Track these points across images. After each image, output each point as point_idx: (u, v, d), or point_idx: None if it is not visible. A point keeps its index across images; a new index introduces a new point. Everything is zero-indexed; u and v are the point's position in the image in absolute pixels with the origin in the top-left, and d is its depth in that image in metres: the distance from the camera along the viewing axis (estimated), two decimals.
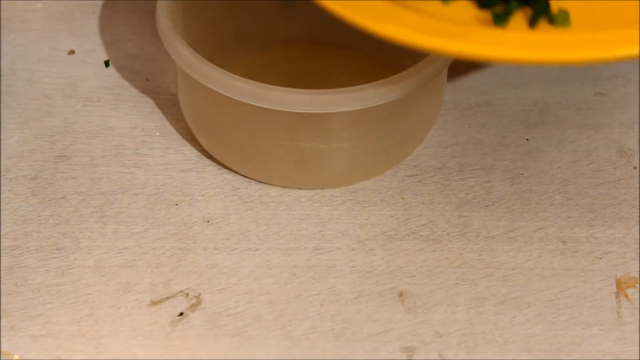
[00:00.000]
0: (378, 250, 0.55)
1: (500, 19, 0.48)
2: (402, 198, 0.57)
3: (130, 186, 0.58)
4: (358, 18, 0.47)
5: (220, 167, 0.59)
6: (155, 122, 0.61)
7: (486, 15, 0.49)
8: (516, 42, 0.46)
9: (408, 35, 0.46)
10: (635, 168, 0.59)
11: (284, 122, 0.53)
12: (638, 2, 0.49)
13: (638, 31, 0.45)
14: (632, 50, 0.45)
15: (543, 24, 0.48)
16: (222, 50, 0.62)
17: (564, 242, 0.55)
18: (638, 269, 0.54)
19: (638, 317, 0.52)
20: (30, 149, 0.59)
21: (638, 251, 0.55)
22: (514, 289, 0.53)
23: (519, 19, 0.48)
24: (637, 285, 0.53)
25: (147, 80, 0.64)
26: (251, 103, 0.52)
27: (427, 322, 0.51)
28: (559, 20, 0.48)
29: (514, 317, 0.52)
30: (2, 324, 0.51)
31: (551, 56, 0.45)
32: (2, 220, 0.55)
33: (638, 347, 0.50)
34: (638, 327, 0.51)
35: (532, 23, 0.48)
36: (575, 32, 0.47)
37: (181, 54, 0.54)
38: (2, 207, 0.56)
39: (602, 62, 0.46)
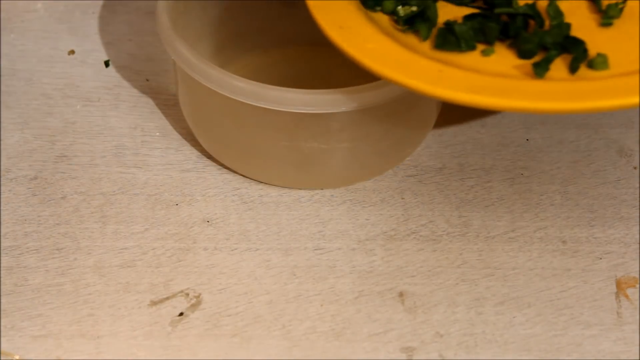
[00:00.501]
0: (378, 250, 0.55)
1: (540, 69, 0.48)
2: (402, 198, 0.57)
3: (130, 186, 0.58)
4: (410, 82, 0.48)
5: (220, 167, 0.59)
6: (155, 122, 0.61)
7: (526, 64, 0.49)
8: (561, 93, 0.47)
9: (460, 96, 0.47)
10: (635, 168, 0.59)
11: (284, 122, 0.53)
12: None
13: None
14: None
15: (583, 69, 0.49)
16: (222, 50, 0.62)
17: (564, 242, 0.55)
18: (638, 269, 0.54)
19: (638, 317, 0.52)
20: (30, 149, 0.59)
21: (638, 251, 0.55)
22: (514, 289, 0.53)
23: (558, 65, 0.49)
24: (637, 285, 0.53)
25: (147, 80, 0.64)
26: (251, 103, 0.52)
27: (427, 322, 0.51)
28: (598, 64, 0.48)
29: (514, 317, 0.52)
30: (2, 324, 0.51)
31: (598, 104, 0.46)
32: (2, 220, 0.55)
33: (638, 347, 0.50)
34: (638, 327, 0.51)
35: (573, 69, 0.48)
36: (615, 78, 0.48)
37: (181, 54, 0.54)
38: (2, 207, 0.56)
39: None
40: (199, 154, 0.59)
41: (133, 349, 0.50)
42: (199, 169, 0.59)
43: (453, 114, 0.62)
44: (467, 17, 0.51)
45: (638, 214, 0.57)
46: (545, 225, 0.56)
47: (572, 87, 0.47)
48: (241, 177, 0.58)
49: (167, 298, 0.52)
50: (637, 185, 0.58)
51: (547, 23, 0.51)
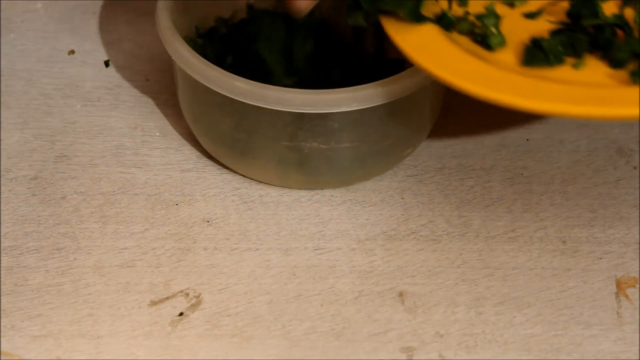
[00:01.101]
0: (378, 250, 0.55)
1: (637, 76, 0.48)
2: (402, 198, 0.57)
3: (130, 186, 0.58)
4: (508, 98, 0.47)
5: (220, 167, 0.59)
6: (155, 122, 0.61)
7: (620, 73, 0.49)
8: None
9: (562, 109, 0.47)
10: (635, 168, 0.59)
11: (284, 122, 0.53)
12: None
13: None
14: None
15: None
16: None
17: (564, 242, 0.55)
18: (638, 269, 0.54)
19: (638, 317, 0.52)
20: (30, 149, 0.59)
21: (638, 251, 0.55)
22: (514, 289, 0.53)
23: None
24: (637, 285, 0.53)
25: (147, 80, 0.64)
26: (251, 103, 0.52)
27: (427, 322, 0.51)
28: None
29: (514, 317, 0.52)
30: (2, 324, 0.51)
31: None
32: (2, 220, 0.55)
33: (638, 347, 0.50)
34: (638, 327, 0.51)
35: None
36: None
37: (181, 54, 0.54)
38: (2, 207, 0.56)
39: None
40: (199, 154, 0.59)
41: (133, 349, 0.50)
42: (199, 169, 0.59)
43: (453, 114, 0.62)
44: (554, 32, 0.51)
45: (638, 214, 0.57)
46: (545, 225, 0.56)
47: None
48: (241, 177, 0.58)
49: (167, 298, 0.52)
50: (637, 185, 0.58)
51: (635, 32, 0.51)
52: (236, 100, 0.52)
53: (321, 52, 0.58)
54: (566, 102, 0.47)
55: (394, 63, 0.57)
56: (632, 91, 0.47)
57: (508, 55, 0.51)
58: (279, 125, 0.54)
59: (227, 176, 0.58)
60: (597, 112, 0.46)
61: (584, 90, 0.47)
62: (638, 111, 0.46)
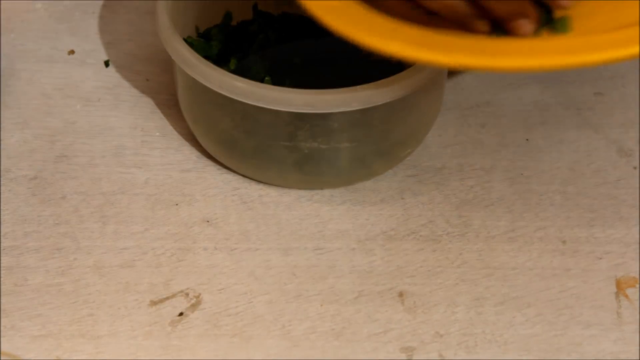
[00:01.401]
0: (378, 250, 0.55)
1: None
2: (402, 198, 0.57)
3: (130, 186, 0.58)
4: (361, 36, 0.47)
5: (220, 167, 0.59)
6: (155, 122, 0.61)
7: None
8: (518, 50, 0.46)
9: (410, 51, 0.46)
10: (635, 168, 0.59)
11: (284, 122, 0.53)
12: (638, 3, 0.49)
13: (638, 31, 0.46)
14: (632, 50, 0.45)
15: (546, 33, 0.48)
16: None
17: (564, 242, 0.55)
18: (638, 269, 0.54)
19: (638, 317, 0.52)
20: (30, 149, 0.59)
21: (638, 251, 0.55)
22: (514, 289, 0.53)
23: None
24: (637, 285, 0.53)
25: (147, 80, 0.64)
26: (251, 103, 0.52)
27: (427, 322, 0.51)
28: (560, 26, 0.48)
29: (514, 317, 0.52)
30: (2, 324, 0.51)
31: (551, 62, 0.45)
32: (2, 220, 0.55)
33: (638, 347, 0.50)
34: (638, 327, 0.51)
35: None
36: (575, 37, 0.47)
37: (181, 54, 0.54)
38: (2, 207, 0.56)
39: (605, 63, 0.46)
40: (199, 154, 0.59)
41: (133, 349, 0.50)
42: (199, 169, 0.59)
43: (453, 114, 0.62)
44: None
45: (638, 214, 0.57)
46: (545, 225, 0.56)
47: (525, 45, 0.47)
48: (241, 177, 0.58)
49: (167, 298, 0.52)
50: (637, 185, 0.58)
51: None
52: (236, 100, 0.52)
53: (318, 54, 0.58)
54: (414, 46, 0.46)
55: (392, 64, 0.57)
56: (487, 41, 0.47)
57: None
58: (279, 125, 0.54)
59: (227, 176, 0.58)
60: (437, 58, 0.46)
61: (439, 37, 0.47)
62: (492, 63, 0.46)
